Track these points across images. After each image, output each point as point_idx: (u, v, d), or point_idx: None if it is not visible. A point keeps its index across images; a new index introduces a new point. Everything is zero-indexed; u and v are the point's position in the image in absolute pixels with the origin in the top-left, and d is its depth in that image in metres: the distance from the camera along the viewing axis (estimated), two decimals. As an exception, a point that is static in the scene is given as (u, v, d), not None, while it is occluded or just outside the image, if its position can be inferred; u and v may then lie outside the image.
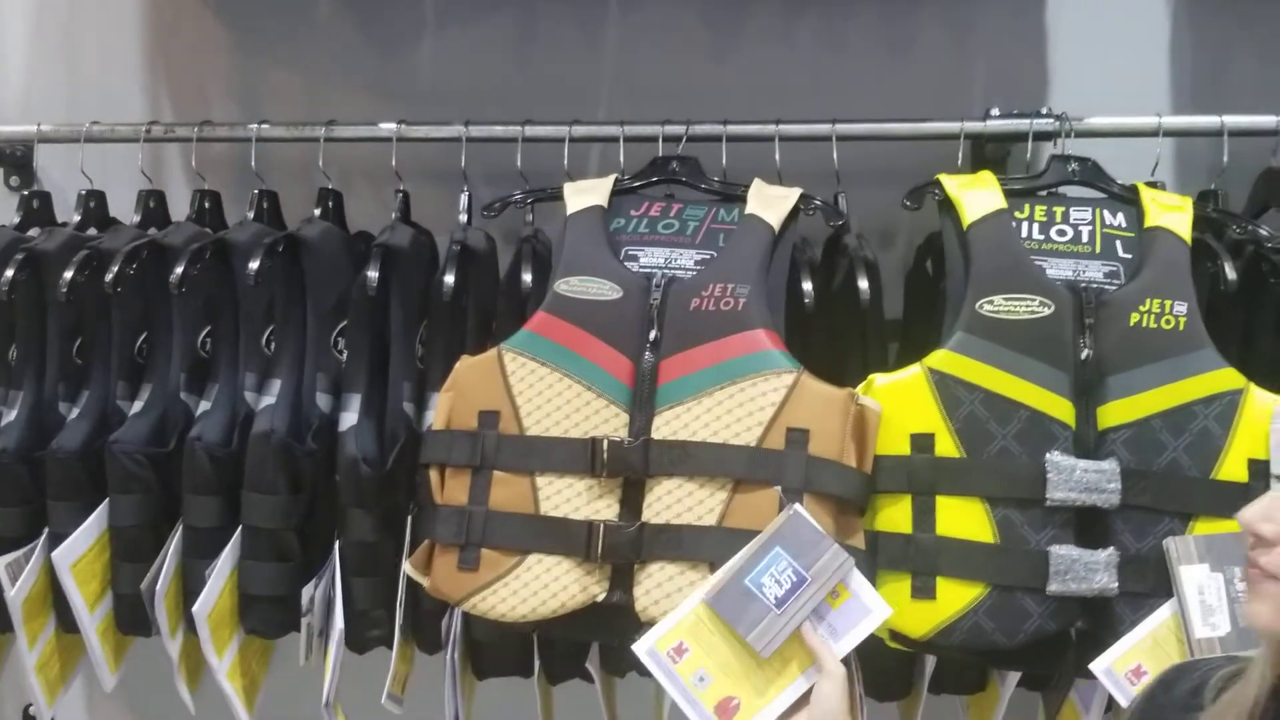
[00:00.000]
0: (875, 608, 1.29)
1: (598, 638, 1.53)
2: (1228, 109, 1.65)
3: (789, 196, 1.52)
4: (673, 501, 1.37)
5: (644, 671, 1.66)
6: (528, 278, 1.52)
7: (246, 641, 1.61)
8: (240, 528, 1.55)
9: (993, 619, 1.33)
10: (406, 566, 1.46)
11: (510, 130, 1.67)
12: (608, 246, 1.48)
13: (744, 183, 1.56)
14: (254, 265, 1.53)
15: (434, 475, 1.44)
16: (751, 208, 1.50)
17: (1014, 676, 1.52)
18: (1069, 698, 1.50)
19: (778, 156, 1.62)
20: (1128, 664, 1.28)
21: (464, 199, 1.67)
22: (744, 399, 1.38)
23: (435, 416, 1.46)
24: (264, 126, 1.74)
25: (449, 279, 1.53)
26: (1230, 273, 1.44)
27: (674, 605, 1.34)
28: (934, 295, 1.61)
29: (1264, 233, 1.50)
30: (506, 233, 1.70)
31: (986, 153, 1.74)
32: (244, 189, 1.77)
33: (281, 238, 1.59)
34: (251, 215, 1.72)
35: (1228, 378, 1.36)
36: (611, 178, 1.57)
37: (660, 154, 1.62)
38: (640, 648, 1.29)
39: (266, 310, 1.62)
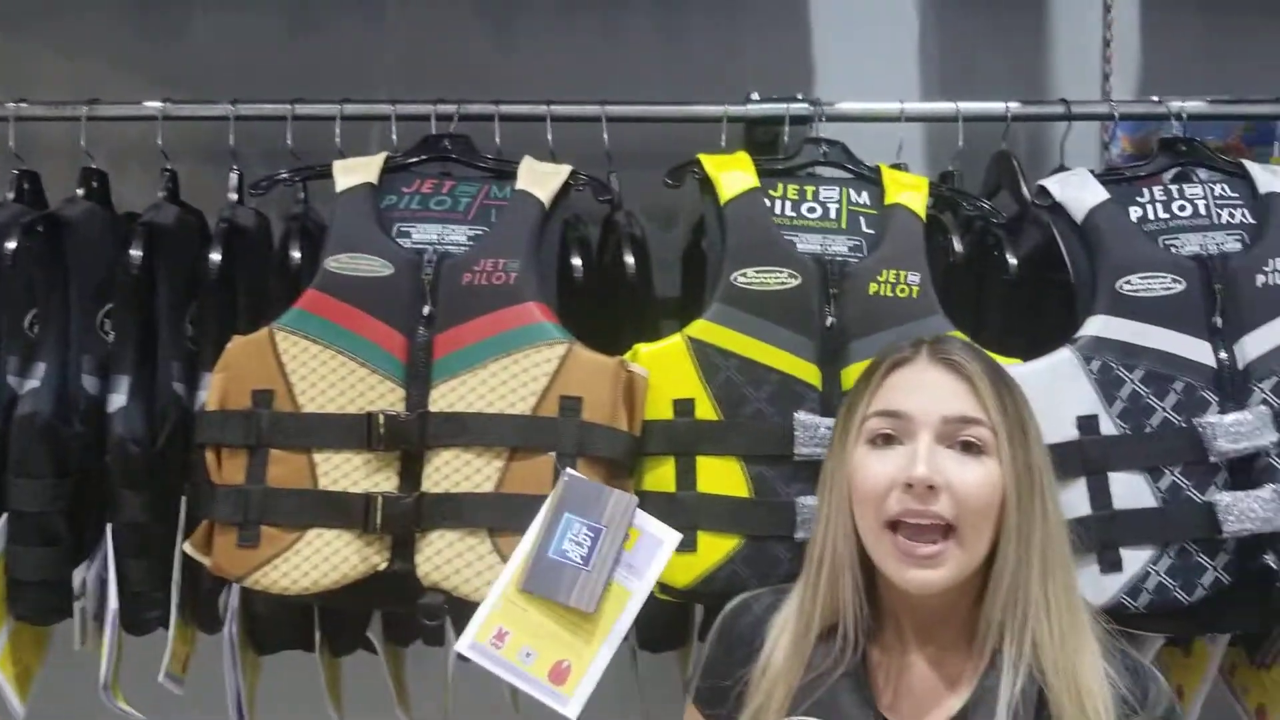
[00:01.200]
0: (665, 536, 1.37)
1: (381, 606, 1.57)
2: (974, 96, 1.78)
3: (559, 173, 1.57)
4: (450, 471, 1.42)
5: (430, 640, 1.72)
6: (296, 255, 1.54)
7: (17, 629, 1.57)
8: (5, 513, 1.52)
9: (748, 566, 1.42)
10: (187, 547, 1.46)
11: (280, 109, 1.67)
12: (378, 223, 1.51)
13: (516, 160, 1.60)
14: (10, 246, 1.50)
15: (210, 455, 1.45)
16: (522, 184, 1.55)
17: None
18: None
19: (550, 136, 1.68)
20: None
21: (233, 178, 1.67)
22: (518, 370, 1.43)
23: (208, 397, 1.46)
24: (22, 105, 1.70)
25: (215, 257, 1.53)
26: (957, 245, 1.58)
27: (455, 570, 1.40)
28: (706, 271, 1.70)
29: (988, 208, 1.65)
30: (283, 213, 1.70)
31: (757, 136, 1.83)
32: (5, 170, 1.72)
33: (39, 218, 1.56)
34: (11, 196, 1.68)
35: (956, 340, 1.49)
36: (382, 155, 1.59)
37: (433, 132, 1.65)
38: (462, 645, 1.34)
39: (27, 292, 1.58)
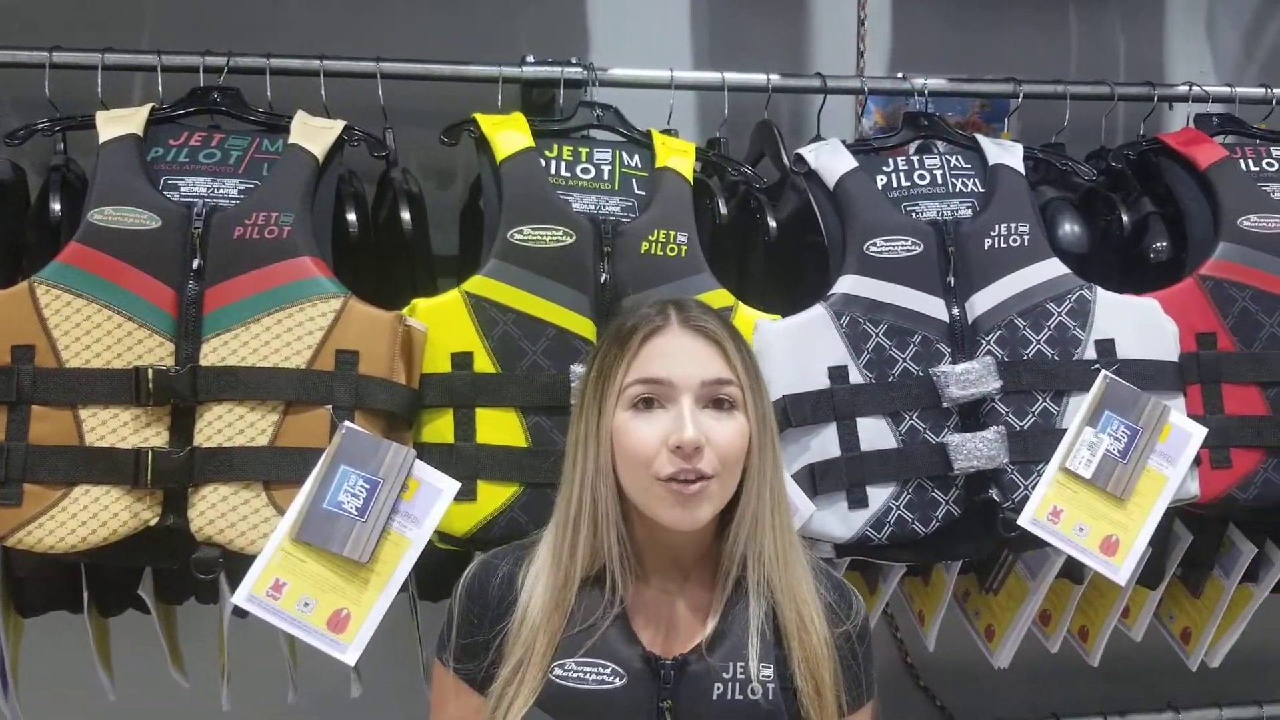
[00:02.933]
0: (444, 486, 1.41)
1: (153, 562, 1.55)
2: (740, 68, 1.87)
3: (333, 128, 1.58)
4: (224, 426, 1.42)
5: (203, 597, 1.70)
6: (57, 207, 1.49)
7: None
8: None
9: (526, 513, 1.47)
10: (-61, 509, 1.40)
11: (37, 56, 1.60)
12: (144, 176, 1.48)
13: (288, 114, 1.59)
14: None
15: (-36, 414, 1.39)
16: (295, 138, 1.54)
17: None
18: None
19: (323, 91, 1.67)
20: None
21: (-14, 127, 1.59)
22: (292, 324, 1.44)
23: (-39, 353, 1.40)
24: None
25: (-32, 208, 1.47)
26: (723, 208, 1.67)
27: (229, 524, 1.40)
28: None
29: (750, 173, 1.75)
30: (39, 165, 1.63)
31: (533, 98, 1.87)
32: None
33: None
34: None
35: (720, 297, 1.57)
36: (148, 107, 1.55)
37: (201, 84, 1.62)
38: (239, 598, 1.34)
39: None
